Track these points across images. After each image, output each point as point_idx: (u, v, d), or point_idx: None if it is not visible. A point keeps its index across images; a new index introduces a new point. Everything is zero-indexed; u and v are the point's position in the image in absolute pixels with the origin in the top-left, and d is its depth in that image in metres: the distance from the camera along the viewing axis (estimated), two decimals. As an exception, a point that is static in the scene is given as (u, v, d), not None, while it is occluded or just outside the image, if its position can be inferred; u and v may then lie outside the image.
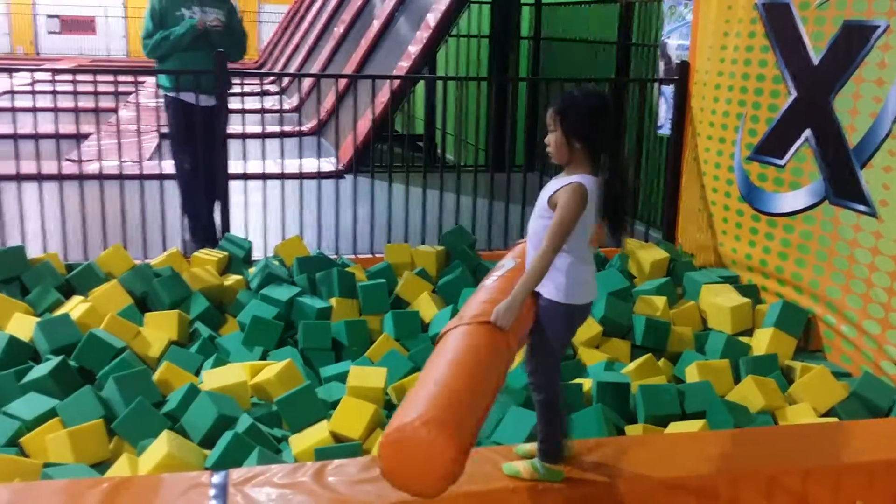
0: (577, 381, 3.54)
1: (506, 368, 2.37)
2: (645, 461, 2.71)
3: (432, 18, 8.99)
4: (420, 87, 10.72)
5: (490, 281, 2.59)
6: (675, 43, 5.64)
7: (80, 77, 5.19)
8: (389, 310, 4.22)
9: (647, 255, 4.83)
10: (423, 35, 9.03)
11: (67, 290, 4.22)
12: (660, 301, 4.25)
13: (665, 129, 5.59)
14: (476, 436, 2.12)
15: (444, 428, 1.95)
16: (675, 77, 5.30)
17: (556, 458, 2.57)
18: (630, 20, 7.23)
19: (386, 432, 2.00)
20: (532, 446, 2.65)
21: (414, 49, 9.04)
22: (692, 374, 3.63)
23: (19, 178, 4.82)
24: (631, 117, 6.30)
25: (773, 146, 4.46)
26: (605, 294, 4.18)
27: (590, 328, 3.98)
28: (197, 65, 5.15)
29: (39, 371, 3.36)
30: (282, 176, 5.39)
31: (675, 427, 3.19)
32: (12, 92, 4.92)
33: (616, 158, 2.45)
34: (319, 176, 5.52)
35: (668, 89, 5.51)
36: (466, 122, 5.93)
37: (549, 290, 2.45)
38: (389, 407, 3.41)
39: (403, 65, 9.04)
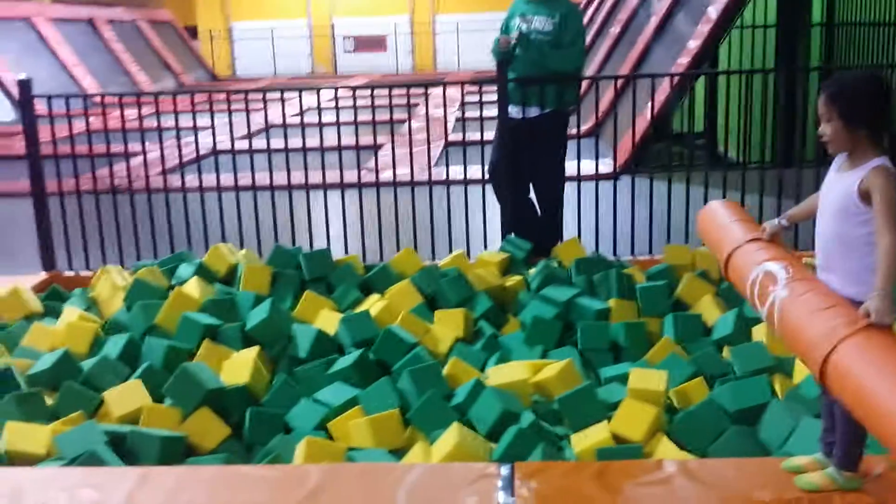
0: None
1: None
2: None
3: (714, 11, 8.68)
4: (700, 84, 10.38)
5: (786, 293, 2.38)
6: None
7: (375, 92, 5.60)
8: (670, 312, 4.14)
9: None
10: (703, 29, 8.74)
11: (366, 289, 4.58)
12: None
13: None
14: None
15: None
16: None
17: (857, 466, 2.43)
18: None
19: None
20: (804, 460, 2.53)
21: (694, 44, 8.78)
22: None
23: (325, 186, 5.32)
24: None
25: None
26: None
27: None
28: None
29: (343, 362, 3.69)
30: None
31: None
32: (318, 108, 5.44)
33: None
34: (597, 178, 5.54)
35: None
36: (751, 117, 5.66)
37: (864, 292, 2.23)
38: (671, 411, 3.36)
39: (683, 61, 8.81)
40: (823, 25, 8.79)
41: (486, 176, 5.48)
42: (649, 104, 5.97)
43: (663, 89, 8.40)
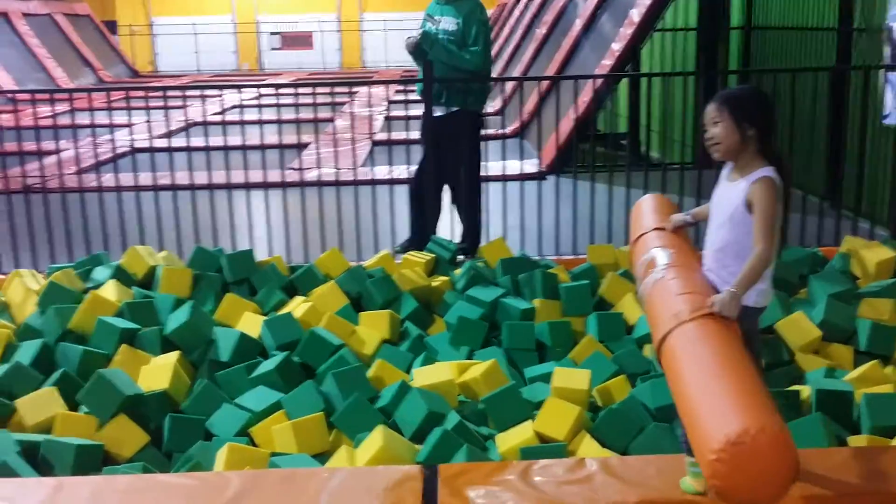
0: (795, 387, 3.37)
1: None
2: (875, 474, 2.54)
3: (636, 14, 8.83)
4: (623, 85, 10.55)
5: (660, 276, 2.52)
6: (903, 25, 5.22)
7: (301, 90, 5.54)
8: (593, 311, 4.20)
9: (873, 254, 4.50)
10: (626, 32, 8.88)
11: (291, 291, 4.52)
12: (887, 304, 3.95)
13: (892, 119, 5.21)
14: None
15: (782, 431, 1.92)
16: (904, 62, 4.91)
17: None
18: (851, 3, 6.76)
19: (714, 448, 1.92)
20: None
21: (617, 46, 8.91)
22: (925, 383, 3.35)
23: (248, 186, 5.24)
24: (853, 107, 5.90)
25: None
26: (825, 296, 3.95)
27: (808, 332, 3.77)
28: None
29: (267, 366, 3.63)
30: (485, 179, 5.50)
31: (905, 440, 2.96)
32: (241, 106, 5.36)
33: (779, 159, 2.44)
34: (522, 178, 5.58)
35: (895, 76, 5.11)
36: (672, 119, 5.78)
37: (749, 295, 2.40)
38: (594, 409, 3.40)
39: (607, 63, 8.93)
40: (742, 29, 9.02)
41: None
42: (573, 105, 6.05)
43: (587, 91, 8.52)
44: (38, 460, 3.03)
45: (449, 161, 5.33)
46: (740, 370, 2.09)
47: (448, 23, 5.31)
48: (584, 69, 9.64)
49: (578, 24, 11.19)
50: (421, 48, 5.29)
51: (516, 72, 14.10)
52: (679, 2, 9.17)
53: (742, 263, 2.38)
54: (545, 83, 9.29)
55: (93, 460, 3.06)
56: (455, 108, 5.27)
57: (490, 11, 25.42)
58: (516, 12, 18.48)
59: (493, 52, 18.83)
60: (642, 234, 2.92)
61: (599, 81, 8.22)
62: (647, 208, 3.21)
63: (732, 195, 2.44)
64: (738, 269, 2.39)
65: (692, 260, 2.63)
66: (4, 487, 2.71)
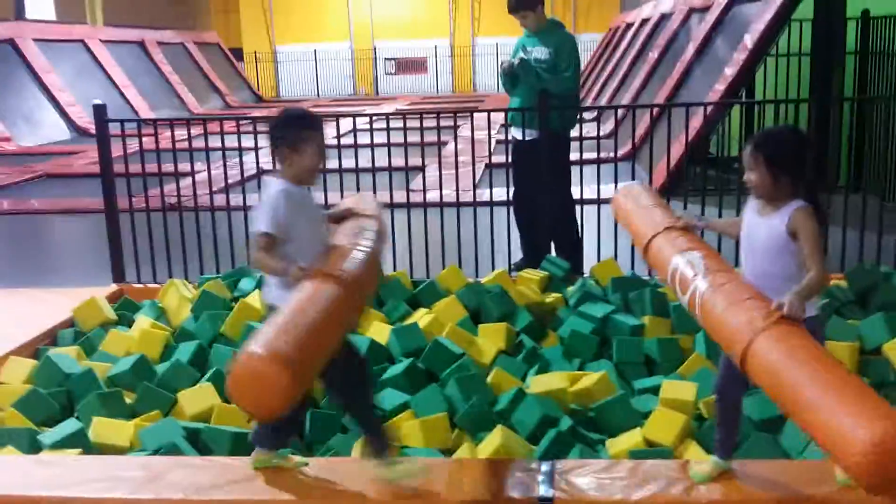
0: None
1: None
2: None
3: (749, 39, 8.91)
4: (736, 109, 10.58)
5: (707, 286, 2.67)
6: None
7: (416, 114, 5.96)
8: (702, 329, 4.37)
9: None
10: (739, 57, 8.97)
11: (414, 303, 4.88)
12: None
13: None
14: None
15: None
16: None
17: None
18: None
19: (859, 449, 2.03)
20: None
21: (730, 71, 9.01)
22: None
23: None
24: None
25: None
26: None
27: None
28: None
29: (394, 370, 3.99)
30: (597, 202, 5.74)
31: None
32: (359, 130, 5.79)
33: (815, 189, 2.63)
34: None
35: None
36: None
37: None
38: (700, 419, 3.60)
39: (719, 88, 9.04)
40: (857, 54, 8.95)
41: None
42: (684, 130, 6.22)
43: (699, 115, 8.64)
44: (200, 444, 3.46)
45: (541, 183, 5.65)
46: (842, 368, 2.26)
47: (540, 52, 5.70)
48: (696, 93, 9.74)
49: (691, 49, 11.29)
50: (514, 74, 5.67)
51: (628, 95, 14.23)
52: (793, 26, 9.17)
53: (790, 286, 2.53)
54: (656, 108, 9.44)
55: (246, 448, 3.46)
56: (546, 131, 5.60)
57: (602, 35, 25.56)
58: (629, 35, 18.60)
59: (605, 74, 18.99)
60: (658, 233, 3.10)
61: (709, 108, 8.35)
62: (644, 199, 3.41)
63: (769, 229, 2.62)
64: (786, 290, 2.52)
65: (722, 261, 2.83)
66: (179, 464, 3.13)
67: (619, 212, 3.71)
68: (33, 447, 3.46)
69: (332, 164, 5.98)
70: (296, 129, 2.89)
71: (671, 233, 3.04)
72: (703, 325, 2.72)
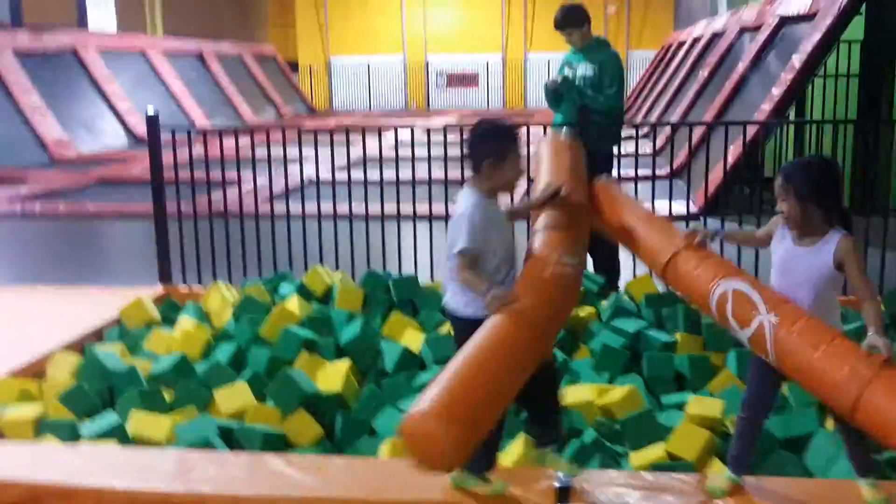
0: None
1: None
2: None
3: (798, 59, 8.85)
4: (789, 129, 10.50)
5: (775, 326, 2.59)
6: None
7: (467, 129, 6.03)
8: (734, 348, 4.37)
9: None
10: (787, 77, 8.92)
11: (448, 313, 4.95)
12: None
13: None
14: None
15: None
16: None
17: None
18: None
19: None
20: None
21: (777, 91, 8.95)
22: None
23: (415, 217, 5.76)
24: None
25: None
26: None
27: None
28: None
29: (426, 377, 4.06)
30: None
31: None
32: (409, 143, 5.91)
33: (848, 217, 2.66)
34: (672, 218, 5.81)
35: None
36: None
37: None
38: (725, 437, 3.60)
39: (766, 107, 8.99)
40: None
41: None
42: (731, 149, 6.24)
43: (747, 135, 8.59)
44: (232, 442, 3.58)
45: None
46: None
47: (585, 69, 5.77)
48: (745, 112, 9.69)
49: (740, 68, 11.23)
50: (559, 91, 5.75)
51: (677, 112, 14.18)
52: (842, 48, 9.09)
53: (829, 316, 2.59)
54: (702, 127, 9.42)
55: (276, 446, 3.58)
56: (585, 148, 5.62)
57: (654, 52, 25.45)
58: (680, 53, 18.52)
59: (656, 91, 18.93)
60: (678, 253, 2.92)
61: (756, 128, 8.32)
62: (637, 207, 3.34)
63: (813, 260, 2.63)
64: (828, 321, 2.59)
65: (772, 290, 2.71)
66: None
67: (602, 211, 3.42)
68: (74, 440, 3.61)
69: (373, 175, 6.14)
70: (499, 142, 2.81)
71: (694, 253, 2.92)
72: (782, 366, 2.60)
